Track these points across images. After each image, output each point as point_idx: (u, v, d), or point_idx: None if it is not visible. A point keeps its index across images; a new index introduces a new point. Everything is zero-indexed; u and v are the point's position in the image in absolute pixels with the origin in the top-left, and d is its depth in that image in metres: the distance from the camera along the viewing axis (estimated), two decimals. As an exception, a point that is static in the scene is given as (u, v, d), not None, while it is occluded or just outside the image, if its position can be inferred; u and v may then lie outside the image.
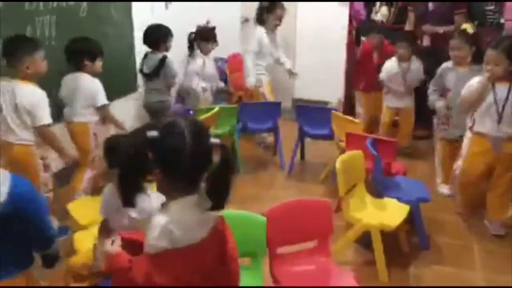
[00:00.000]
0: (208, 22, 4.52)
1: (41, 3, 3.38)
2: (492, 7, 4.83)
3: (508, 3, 4.32)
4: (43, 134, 2.87)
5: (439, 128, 3.79)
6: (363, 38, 4.85)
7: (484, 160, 3.07)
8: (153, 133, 1.42)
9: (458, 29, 4.55)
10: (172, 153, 1.41)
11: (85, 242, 2.38)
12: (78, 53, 3.21)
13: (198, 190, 1.45)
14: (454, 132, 3.55)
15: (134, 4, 4.41)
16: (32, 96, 2.79)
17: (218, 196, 1.43)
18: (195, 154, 1.40)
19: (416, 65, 4.32)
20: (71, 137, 3.29)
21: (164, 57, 4.12)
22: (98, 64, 3.27)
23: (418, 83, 4.36)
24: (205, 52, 4.50)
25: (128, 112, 3.71)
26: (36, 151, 2.91)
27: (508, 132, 2.97)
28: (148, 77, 4.18)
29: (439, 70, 3.70)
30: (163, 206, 1.48)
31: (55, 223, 3.08)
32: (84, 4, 3.81)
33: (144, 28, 4.23)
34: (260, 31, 4.65)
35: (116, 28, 4.21)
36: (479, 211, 3.32)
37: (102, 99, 3.25)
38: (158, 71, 4.11)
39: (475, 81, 3.02)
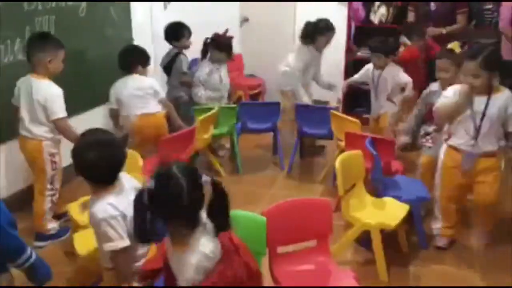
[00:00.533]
0: (226, 31, 4.37)
1: (40, 3, 3.38)
2: (490, 6, 4.85)
3: (503, 2, 4.32)
4: (60, 128, 2.98)
5: (421, 145, 3.65)
6: (408, 42, 4.57)
7: (459, 174, 2.84)
8: (150, 186, 1.56)
9: (461, 28, 4.58)
10: (172, 203, 1.56)
11: (84, 242, 2.37)
12: (135, 60, 3.64)
13: (201, 221, 1.62)
14: (431, 151, 3.33)
15: (132, 4, 4.42)
16: (48, 91, 2.93)
17: (221, 223, 1.62)
18: (192, 198, 1.56)
19: (389, 71, 4.03)
20: (136, 128, 3.61)
21: (176, 54, 4.25)
22: (147, 69, 3.75)
23: (394, 90, 4.06)
24: (215, 61, 4.30)
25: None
26: (46, 148, 2.99)
27: (483, 148, 2.75)
28: (164, 72, 4.37)
29: (425, 92, 3.45)
30: (177, 245, 1.63)
31: (52, 225, 3.10)
32: (83, 4, 3.81)
33: (143, 27, 4.27)
34: (308, 51, 4.38)
35: (115, 28, 4.22)
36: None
37: (162, 92, 3.77)
38: (167, 66, 4.28)
39: (449, 93, 2.76)
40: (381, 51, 4.02)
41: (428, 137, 3.51)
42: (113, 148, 1.98)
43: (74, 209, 2.75)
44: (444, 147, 2.92)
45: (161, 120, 3.69)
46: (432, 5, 4.60)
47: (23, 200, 3.42)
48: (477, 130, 2.70)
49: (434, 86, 3.39)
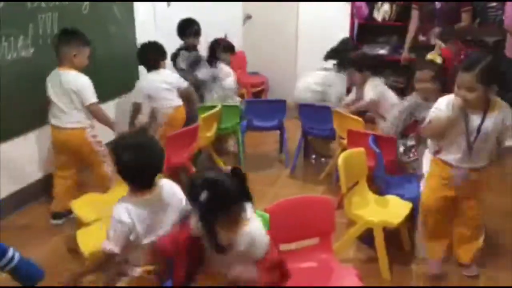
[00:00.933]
0: (225, 37, 4.62)
1: (43, 1, 3.39)
2: (494, 4, 4.84)
3: (508, 2, 4.31)
4: (93, 112, 3.19)
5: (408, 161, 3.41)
6: (442, 45, 4.18)
7: (443, 186, 2.65)
8: (204, 195, 1.66)
9: (465, 27, 4.55)
10: (229, 203, 1.72)
11: (88, 240, 2.37)
12: (158, 56, 3.76)
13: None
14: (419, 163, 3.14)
15: (135, 2, 4.42)
16: (78, 80, 3.12)
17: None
18: (237, 189, 1.73)
19: (370, 85, 3.87)
20: (171, 121, 3.75)
21: (180, 49, 4.40)
22: (165, 62, 3.89)
23: (382, 103, 3.84)
24: (227, 63, 4.48)
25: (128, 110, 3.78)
26: (88, 134, 3.20)
27: (475, 164, 2.56)
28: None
29: (407, 107, 3.20)
30: (234, 228, 1.76)
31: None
32: (86, 2, 3.82)
33: (146, 26, 4.28)
34: (347, 73, 4.24)
35: (118, 26, 4.22)
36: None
37: (184, 83, 3.88)
38: (172, 60, 4.42)
39: (442, 106, 2.52)
40: (355, 66, 3.90)
41: (413, 149, 3.39)
42: (150, 152, 1.97)
43: (77, 206, 2.75)
44: (429, 156, 2.74)
45: (184, 113, 3.85)
46: (437, 4, 4.59)
47: (23, 198, 3.45)
48: (471, 147, 2.50)
49: (411, 99, 3.22)
